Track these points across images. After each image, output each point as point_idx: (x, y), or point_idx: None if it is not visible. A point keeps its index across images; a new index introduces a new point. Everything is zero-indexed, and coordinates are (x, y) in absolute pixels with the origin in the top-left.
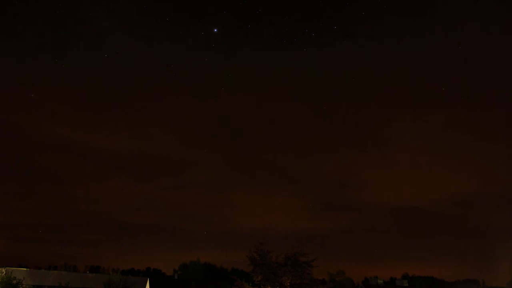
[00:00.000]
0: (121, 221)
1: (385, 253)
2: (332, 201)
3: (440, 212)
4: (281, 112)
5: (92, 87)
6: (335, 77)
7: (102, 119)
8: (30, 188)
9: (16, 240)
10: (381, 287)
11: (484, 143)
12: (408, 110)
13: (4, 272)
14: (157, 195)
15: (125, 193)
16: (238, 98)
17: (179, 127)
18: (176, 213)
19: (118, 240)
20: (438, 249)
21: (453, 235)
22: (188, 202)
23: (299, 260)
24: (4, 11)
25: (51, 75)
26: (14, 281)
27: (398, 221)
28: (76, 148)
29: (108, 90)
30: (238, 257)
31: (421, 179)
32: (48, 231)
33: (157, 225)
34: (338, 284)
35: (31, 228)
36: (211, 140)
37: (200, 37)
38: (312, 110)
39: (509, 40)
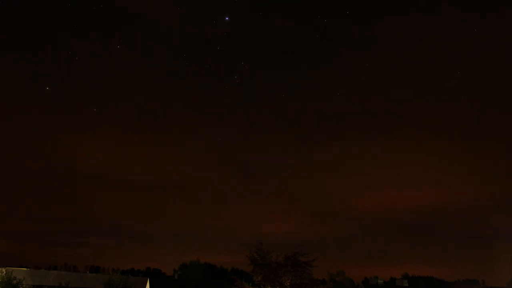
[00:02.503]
0: (122, 225)
1: (385, 253)
2: (330, 211)
3: (440, 217)
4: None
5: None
6: None
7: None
8: (35, 194)
9: (16, 240)
10: (381, 287)
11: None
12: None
13: (4, 272)
14: (161, 203)
15: (128, 201)
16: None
17: (184, 137)
18: (178, 220)
19: (118, 240)
20: (438, 249)
21: (452, 237)
22: (189, 210)
23: (299, 260)
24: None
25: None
26: (14, 281)
27: (397, 225)
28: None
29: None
30: (238, 258)
31: (417, 188)
32: (50, 232)
33: (159, 229)
34: (338, 284)
35: (33, 229)
36: (215, 149)
37: (212, 25)
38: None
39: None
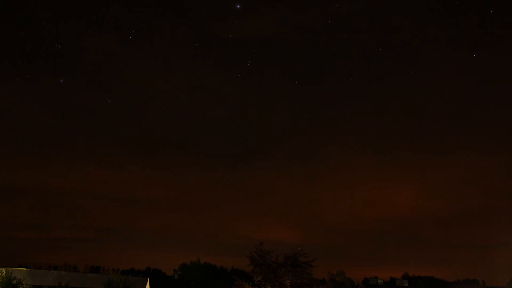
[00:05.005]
0: (122, 225)
1: (385, 253)
2: (330, 215)
3: (440, 218)
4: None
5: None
6: None
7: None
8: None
9: (16, 240)
10: (381, 287)
11: (485, 157)
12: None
13: (4, 272)
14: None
15: (129, 206)
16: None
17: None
18: (178, 221)
19: (118, 240)
20: (438, 249)
21: (453, 237)
22: (189, 212)
23: (299, 260)
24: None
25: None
26: (14, 281)
27: (397, 226)
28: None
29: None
30: (238, 258)
31: (416, 188)
32: (49, 232)
33: (159, 229)
34: (338, 284)
35: (33, 228)
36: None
37: (223, 14)
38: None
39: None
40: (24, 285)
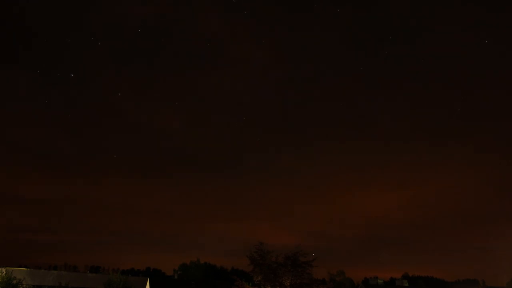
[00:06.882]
0: (122, 225)
1: (385, 253)
2: (330, 217)
3: (440, 218)
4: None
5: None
6: None
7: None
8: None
9: (16, 240)
10: (381, 287)
11: (482, 154)
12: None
13: (4, 272)
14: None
15: (129, 206)
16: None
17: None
18: (179, 221)
19: (119, 241)
20: (438, 249)
21: (453, 237)
22: (189, 213)
23: (299, 260)
24: None
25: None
26: (14, 281)
27: (397, 226)
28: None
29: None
30: (238, 258)
31: (417, 189)
32: (50, 232)
33: (159, 229)
34: (338, 284)
35: (32, 228)
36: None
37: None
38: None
39: None
40: (24, 285)
